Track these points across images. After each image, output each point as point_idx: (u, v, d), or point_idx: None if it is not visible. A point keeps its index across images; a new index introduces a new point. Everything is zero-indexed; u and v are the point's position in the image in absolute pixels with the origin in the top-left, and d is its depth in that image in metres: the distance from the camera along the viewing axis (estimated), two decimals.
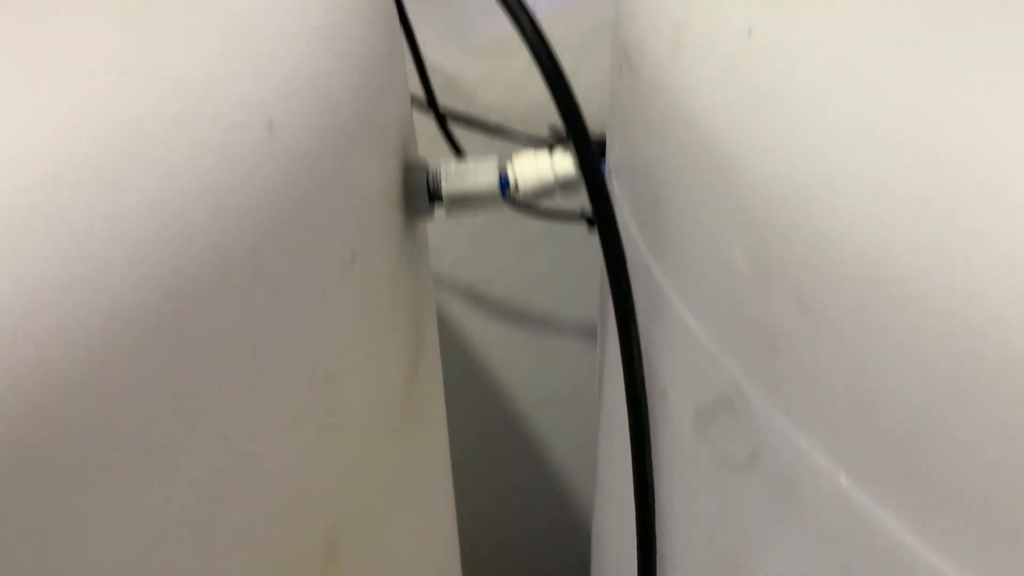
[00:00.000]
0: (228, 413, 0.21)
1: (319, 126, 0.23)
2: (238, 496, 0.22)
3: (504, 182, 0.32)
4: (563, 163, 0.32)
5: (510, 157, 0.32)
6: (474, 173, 0.32)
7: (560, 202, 0.80)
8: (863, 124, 0.21)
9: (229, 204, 0.20)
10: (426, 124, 0.61)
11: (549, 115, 0.73)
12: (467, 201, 0.32)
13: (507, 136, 0.70)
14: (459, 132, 0.67)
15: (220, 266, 0.20)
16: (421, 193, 0.31)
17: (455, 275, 0.92)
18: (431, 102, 0.59)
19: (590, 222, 0.72)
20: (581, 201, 0.82)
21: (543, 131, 0.78)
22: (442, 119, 0.61)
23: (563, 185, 0.32)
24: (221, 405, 0.21)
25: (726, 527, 0.28)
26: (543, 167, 0.32)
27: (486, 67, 0.77)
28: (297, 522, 0.25)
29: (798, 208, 0.22)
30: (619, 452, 0.40)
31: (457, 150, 0.65)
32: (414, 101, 0.44)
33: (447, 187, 0.31)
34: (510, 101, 0.79)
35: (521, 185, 0.32)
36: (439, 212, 0.32)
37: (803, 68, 0.23)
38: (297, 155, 0.22)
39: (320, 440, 0.25)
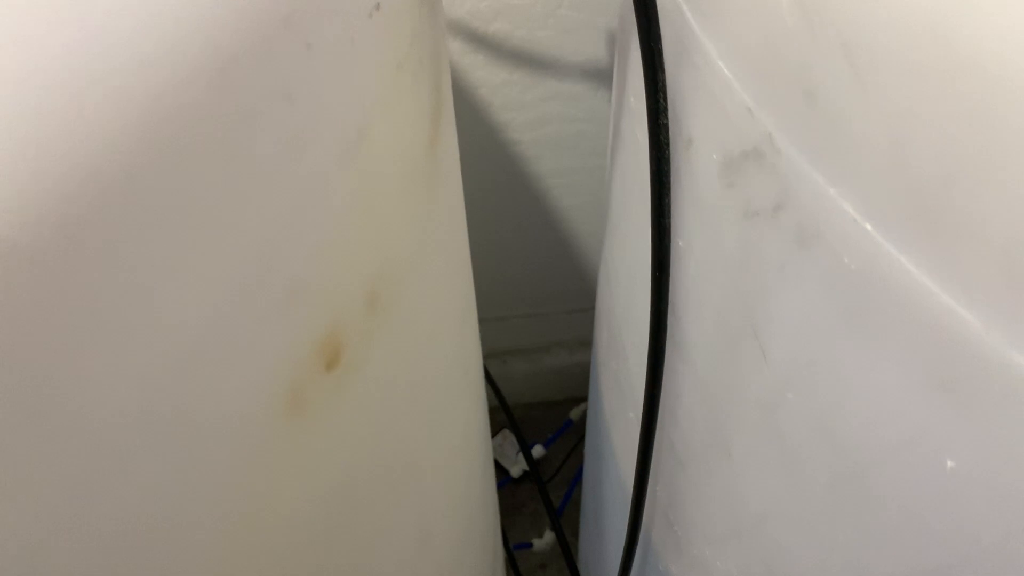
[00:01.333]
0: (273, 167, 0.21)
1: None
2: (289, 247, 0.23)
3: None
4: None
5: None
6: None
7: None
8: None
9: None
10: None
11: None
12: None
13: None
14: None
15: (253, 22, 0.19)
16: None
17: (456, 16, 0.88)
18: None
19: None
20: None
21: None
22: None
23: None
24: (265, 157, 0.21)
25: (742, 272, 0.30)
26: None
27: None
28: (343, 275, 0.26)
29: None
30: (635, 198, 0.40)
31: None
32: None
33: None
34: None
35: None
36: None
37: None
38: None
39: (358, 195, 0.25)
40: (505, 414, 0.92)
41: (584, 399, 1.37)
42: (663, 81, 0.31)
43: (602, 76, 0.98)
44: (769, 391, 0.31)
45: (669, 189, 0.34)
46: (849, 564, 0.31)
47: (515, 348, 1.41)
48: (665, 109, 0.32)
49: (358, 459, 0.31)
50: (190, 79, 0.18)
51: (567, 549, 0.90)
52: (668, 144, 0.32)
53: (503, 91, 0.96)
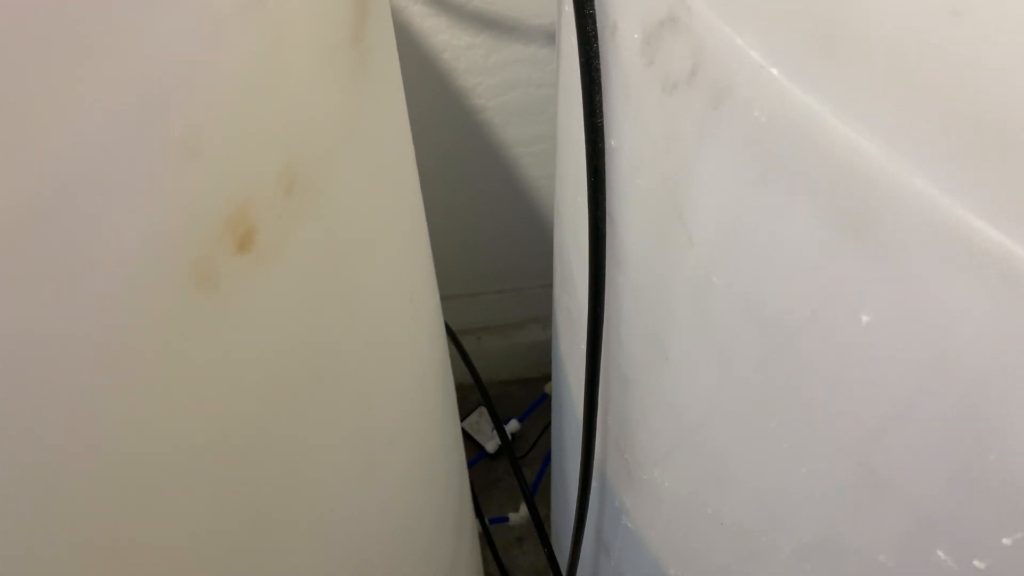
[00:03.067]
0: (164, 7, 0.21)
1: None
2: (187, 93, 0.22)
3: None
4: None
5: None
6: None
7: None
8: None
9: None
10: None
11: None
12: None
13: None
14: None
15: None
16: None
17: None
18: None
19: None
20: None
21: None
22: None
23: None
24: None
25: (667, 154, 0.30)
26: None
27: None
28: (250, 145, 0.25)
29: None
30: (572, 110, 0.40)
31: None
32: None
33: None
34: None
35: None
36: None
37: None
38: None
39: (261, 61, 0.25)
40: (479, 389, 0.92)
41: None
42: None
43: None
44: (697, 280, 0.30)
45: (600, 85, 0.33)
46: (785, 454, 0.31)
47: (489, 325, 1.40)
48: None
49: (282, 355, 0.31)
50: None
51: (538, 521, 0.89)
52: (596, 36, 0.32)
53: (467, 55, 0.95)
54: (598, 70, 0.33)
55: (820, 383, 0.27)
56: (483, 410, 1.36)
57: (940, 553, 0.26)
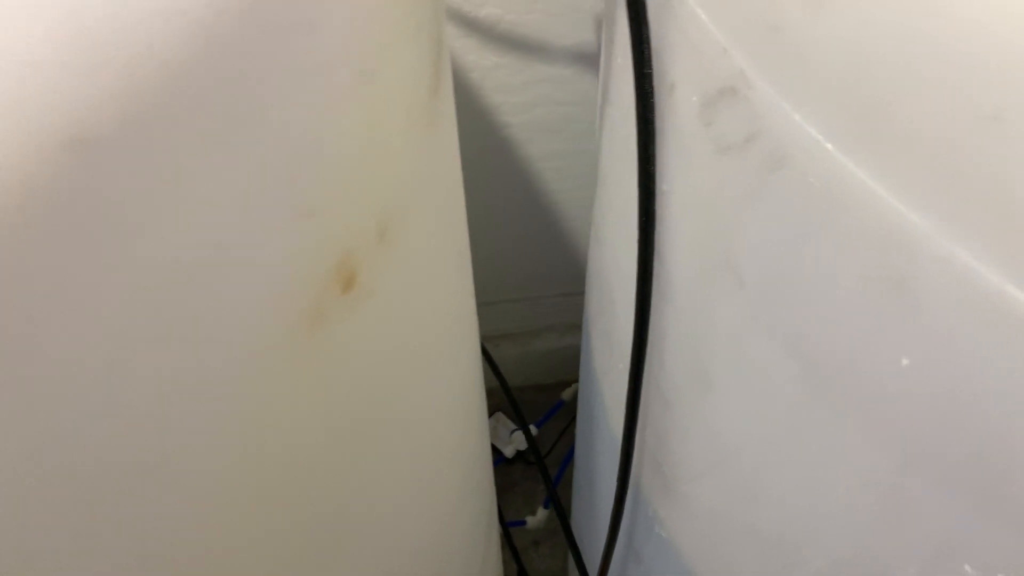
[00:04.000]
0: (292, 91, 0.24)
1: None
2: (303, 176, 0.26)
3: None
4: None
5: None
6: None
7: None
8: None
9: None
10: None
11: None
12: None
13: None
14: None
15: None
16: None
17: (449, 1, 0.91)
18: None
19: None
20: None
21: None
22: None
23: None
24: (286, 81, 0.23)
25: (718, 205, 0.33)
26: None
27: None
28: (355, 201, 0.28)
29: None
30: (621, 152, 0.43)
31: None
32: None
33: None
34: None
35: None
36: None
37: None
38: None
39: (368, 129, 0.28)
40: (504, 392, 0.95)
41: (575, 381, 1.40)
42: (647, 33, 0.34)
43: (589, 60, 1.00)
44: (744, 317, 0.34)
45: (654, 137, 0.36)
46: (820, 479, 0.34)
47: (507, 332, 1.43)
48: (649, 60, 0.34)
49: (369, 381, 0.34)
50: (224, 7, 0.21)
51: (566, 524, 0.92)
52: (652, 92, 0.35)
53: (494, 74, 0.99)
54: (653, 123, 0.36)
55: (857, 418, 0.30)
56: (500, 416, 1.39)
57: (967, 568, 0.29)
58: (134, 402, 0.24)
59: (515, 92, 1.02)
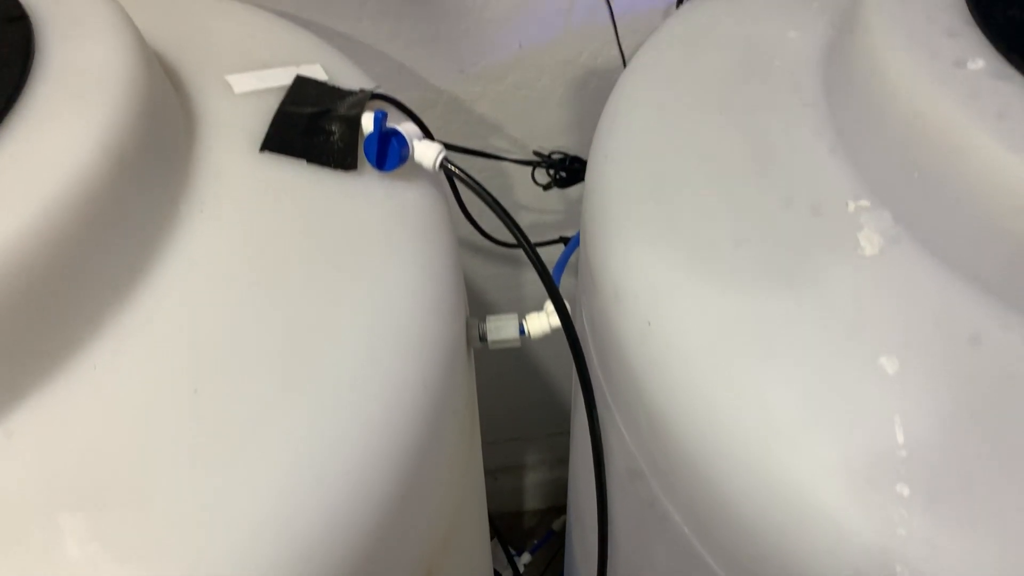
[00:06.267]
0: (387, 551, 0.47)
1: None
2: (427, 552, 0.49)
3: (522, 330, 0.57)
4: (553, 319, 0.57)
5: (525, 317, 0.57)
6: (506, 328, 0.57)
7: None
8: None
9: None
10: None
11: (527, 120, 0.99)
12: (500, 342, 0.57)
13: (499, 158, 0.93)
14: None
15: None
16: (475, 341, 0.56)
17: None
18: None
19: (564, 240, 0.96)
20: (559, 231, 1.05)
21: (527, 141, 1.01)
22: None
23: (554, 330, 0.57)
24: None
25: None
26: (543, 321, 0.57)
27: (482, 87, 0.97)
28: (437, 533, 0.52)
29: None
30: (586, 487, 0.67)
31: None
32: None
33: (491, 337, 0.56)
34: (499, 111, 1.00)
35: (532, 332, 0.57)
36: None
37: None
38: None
39: (429, 499, 0.52)
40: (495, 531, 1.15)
41: (562, 508, 1.62)
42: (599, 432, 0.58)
43: None
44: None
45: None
46: None
47: (504, 466, 1.66)
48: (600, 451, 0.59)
49: None
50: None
51: None
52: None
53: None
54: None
55: None
56: (496, 543, 1.60)
57: None
58: None
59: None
